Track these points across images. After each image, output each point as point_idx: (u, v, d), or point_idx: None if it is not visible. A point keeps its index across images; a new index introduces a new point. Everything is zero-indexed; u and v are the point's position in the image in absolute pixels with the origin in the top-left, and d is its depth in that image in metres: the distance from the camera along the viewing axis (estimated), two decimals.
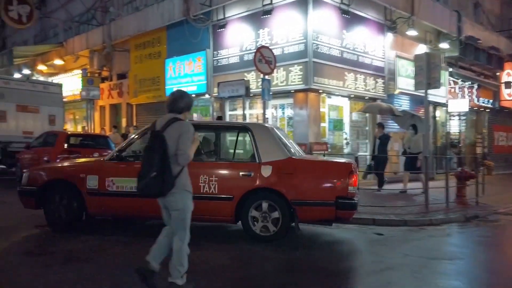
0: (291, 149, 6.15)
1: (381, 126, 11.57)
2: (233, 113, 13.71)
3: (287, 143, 6.29)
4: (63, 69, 21.10)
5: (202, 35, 13.94)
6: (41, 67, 21.40)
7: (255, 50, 9.82)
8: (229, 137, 6.88)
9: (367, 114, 13.35)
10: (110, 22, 17.47)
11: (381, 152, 10.97)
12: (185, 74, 14.46)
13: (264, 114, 10.33)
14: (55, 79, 19.85)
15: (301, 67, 11.37)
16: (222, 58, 13.43)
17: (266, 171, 5.63)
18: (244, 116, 11.69)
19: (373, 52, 13.23)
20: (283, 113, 12.73)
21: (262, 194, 5.68)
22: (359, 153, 12.31)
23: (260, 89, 9.95)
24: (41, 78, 19.97)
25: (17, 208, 6.91)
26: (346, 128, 13.27)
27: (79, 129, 20.04)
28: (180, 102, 3.68)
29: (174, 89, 4.00)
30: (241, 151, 6.69)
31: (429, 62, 9.38)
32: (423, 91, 9.35)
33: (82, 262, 4.76)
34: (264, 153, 5.74)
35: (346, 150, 13.08)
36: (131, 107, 17.57)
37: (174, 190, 3.54)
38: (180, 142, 3.49)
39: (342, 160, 6.59)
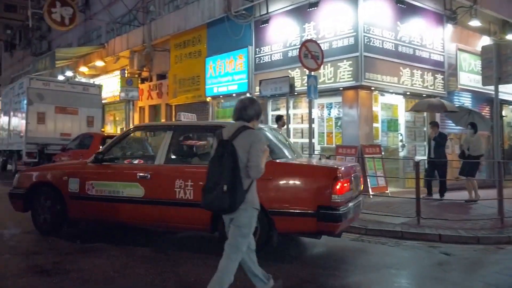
0: (281, 152, 5.49)
1: (435, 125, 10.25)
2: (276, 113, 12.79)
3: (278, 145, 5.66)
4: (104, 71, 21.04)
5: (243, 32, 13.20)
6: (83, 68, 21.45)
7: (299, 45, 8.94)
8: (208, 139, 6.30)
9: (425, 113, 12.08)
10: (150, 22, 17.10)
11: (437, 155, 9.72)
12: (225, 72, 13.74)
13: (309, 114, 9.38)
14: (97, 81, 19.78)
15: (350, 62, 10.34)
16: (265, 55, 12.60)
17: None
18: (287, 116, 10.79)
19: (431, 45, 11.97)
20: (330, 113, 11.72)
21: None
22: (418, 157, 11.01)
23: (305, 87, 9.10)
24: (83, 80, 19.97)
25: None
26: (402, 129, 12.09)
27: (118, 131, 19.88)
28: (250, 109, 3.41)
29: (243, 96, 3.95)
30: None
31: (500, 54, 8.30)
32: (491, 87, 8.13)
33: (103, 285, 4.03)
34: None
35: (402, 153, 11.88)
36: (170, 107, 17.10)
37: (243, 206, 3.25)
38: (251, 153, 3.23)
39: (330, 164, 5.64)
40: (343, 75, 10.52)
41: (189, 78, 15.51)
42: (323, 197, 4.62)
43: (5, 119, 17.23)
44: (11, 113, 16.26)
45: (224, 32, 13.69)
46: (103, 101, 18.60)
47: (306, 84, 9.08)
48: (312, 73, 8.99)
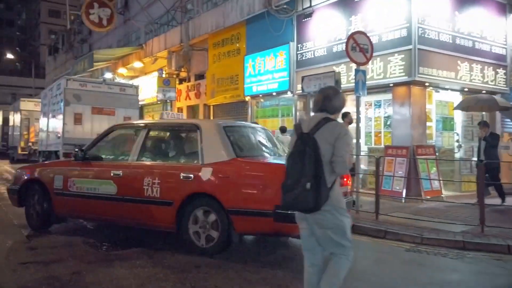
0: (251, 150, 5.48)
1: (485, 125, 9.24)
2: None
3: (251, 142, 5.65)
4: (143, 72, 20.89)
5: (285, 27, 12.50)
6: (122, 70, 21.41)
7: (346, 39, 8.14)
8: (178, 136, 6.16)
9: (483, 112, 10.93)
10: (188, 21, 16.71)
11: (488, 156, 8.65)
12: (265, 71, 13.08)
13: (357, 112, 8.50)
14: (135, 82, 19.58)
15: (403, 56, 9.41)
16: (307, 51, 11.82)
17: (206, 174, 4.86)
18: None
19: (492, 37, 10.84)
20: (378, 111, 10.80)
21: (202, 200, 4.90)
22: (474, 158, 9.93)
23: (351, 84, 8.33)
24: (122, 81, 19.86)
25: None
26: (458, 128, 11.03)
27: None
28: (335, 100, 3.10)
29: (324, 86, 3.61)
30: (189, 152, 5.60)
31: None
32: None
33: None
34: (208, 153, 5.02)
35: (458, 154, 10.81)
36: (208, 108, 16.63)
37: (327, 207, 2.91)
38: (337, 147, 2.92)
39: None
40: (394, 70, 9.60)
41: (227, 78, 14.96)
42: (280, 196, 3.89)
43: (44, 120, 17.31)
44: (50, 115, 16.27)
45: (264, 28, 13.05)
46: (141, 103, 18.43)
47: (352, 81, 8.39)
48: (361, 67, 8.17)
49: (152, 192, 5.11)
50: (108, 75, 21.26)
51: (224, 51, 15.27)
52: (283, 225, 4.35)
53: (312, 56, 11.62)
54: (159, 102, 18.56)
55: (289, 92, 12.22)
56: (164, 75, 16.67)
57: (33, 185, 6.29)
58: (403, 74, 9.40)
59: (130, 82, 19.35)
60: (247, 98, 14.05)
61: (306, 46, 11.86)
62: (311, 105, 11.66)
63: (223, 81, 15.17)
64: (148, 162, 5.54)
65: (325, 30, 11.28)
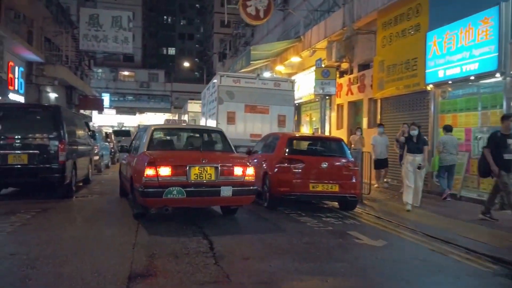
0: None
1: None
2: None
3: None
4: (301, 68, 19.03)
5: None
6: (279, 67, 20.00)
7: None
8: None
9: None
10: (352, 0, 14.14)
11: None
12: (458, 48, 9.66)
13: None
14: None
15: None
16: None
17: None
18: None
19: None
20: None
21: None
22: None
23: None
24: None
25: None
26: None
27: (306, 131, 17.57)
28: None
29: None
30: None
31: None
32: None
33: None
34: None
35: None
36: (375, 103, 13.76)
37: None
38: None
39: (163, 153, 7.08)
40: None
41: (401, 63, 11.90)
42: (142, 178, 6.22)
43: (203, 121, 16.86)
44: (207, 114, 15.63)
45: None
46: (298, 101, 16.60)
47: None
48: None
49: None
50: (266, 74, 20.07)
51: (398, 30, 12.21)
52: (142, 199, 6.34)
53: None
54: (317, 100, 16.37)
55: (498, 74, 8.63)
56: (322, 66, 14.39)
57: None
58: None
59: None
60: (429, 87, 10.80)
61: None
62: None
63: (395, 68, 12.16)
64: None
65: None
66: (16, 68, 19.22)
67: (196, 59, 71.35)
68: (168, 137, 8.57)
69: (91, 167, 12.57)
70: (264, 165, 8.92)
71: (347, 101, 15.82)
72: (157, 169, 6.08)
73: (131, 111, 53.27)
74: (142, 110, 53.54)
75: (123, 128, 42.30)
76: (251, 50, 17.64)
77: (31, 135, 9.24)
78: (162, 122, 26.04)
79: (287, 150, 8.54)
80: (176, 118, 36.77)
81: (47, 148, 9.20)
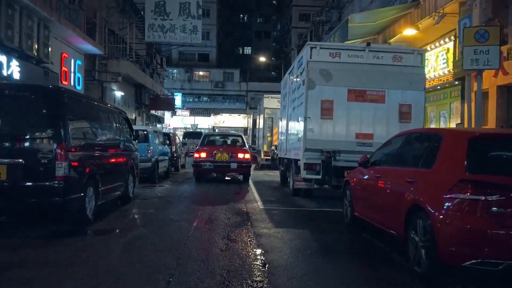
0: None
1: None
2: None
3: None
4: (414, 46, 14.08)
5: None
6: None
7: None
8: None
9: None
10: None
11: None
12: None
13: None
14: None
15: None
16: None
17: None
18: None
19: None
20: None
21: None
22: None
23: None
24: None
25: None
26: None
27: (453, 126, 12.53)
28: None
29: None
30: None
31: None
32: None
33: None
34: None
35: None
36: None
37: None
38: None
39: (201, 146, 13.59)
40: None
41: None
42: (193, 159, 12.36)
43: (283, 116, 12.84)
44: (289, 108, 11.53)
45: None
46: None
47: None
48: None
49: None
50: None
51: None
52: None
53: None
54: (456, 83, 11.39)
55: None
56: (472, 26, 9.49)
57: None
58: None
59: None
60: None
61: None
62: None
63: None
64: None
65: None
66: (72, 60, 16.58)
67: (273, 58, 68.39)
68: (211, 138, 15.34)
69: (132, 179, 9.01)
70: (407, 191, 4.60)
71: (495, 85, 10.75)
72: (200, 154, 12.87)
73: (206, 112, 51.34)
74: (216, 111, 51.28)
75: (197, 130, 39.85)
76: (348, 21, 13.09)
77: (14, 134, 5.81)
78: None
79: (469, 163, 4.08)
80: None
81: (38, 156, 5.65)
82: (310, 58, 8.87)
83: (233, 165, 12.68)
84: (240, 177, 14.01)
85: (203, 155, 12.70)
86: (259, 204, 9.16)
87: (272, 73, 67.69)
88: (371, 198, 6.03)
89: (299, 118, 9.62)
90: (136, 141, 9.71)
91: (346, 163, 8.72)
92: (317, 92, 8.83)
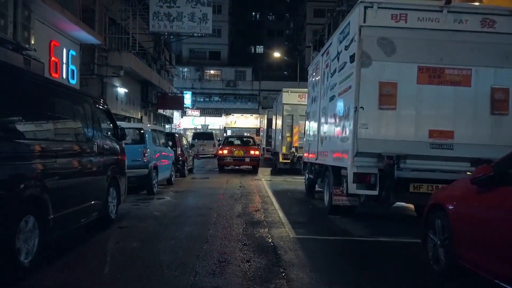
0: None
1: None
2: None
3: None
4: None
5: None
6: None
7: None
8: None
9: None
10: None
11: None
12: None
13: None
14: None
15: None
16: None
17: None
18: None
19: None
20: None
21: None
22: None
23: None
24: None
25: None
26: None
27: None
28: None
29: None
30: None
31: None
32: None
33: None
34: None
35: None
36: None
37: None
38: None
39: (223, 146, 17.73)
40: None
41: None
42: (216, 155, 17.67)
43: (311, 110, 10.25)
44: (323, 99, 8.91)
45: None
46: None
47: None
48: None
49: None
50: None
51: None
52: None
53: None
54: None
55: None
56: None
57: None
58: None
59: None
60: None
61: None
62: None
63: None
64: None
65: None
66: (64, 50, 14.14)
67: (285, 57, 65.98)
68: (230, 139, 20.58)
69: (115, 193, 6.49)
70: None
71: None
72: (223, 151, 17.92)
73: (217, 112, 49.01)
74: (228, 112, 48.85)
75: (207, 131, 37.32)
76: None
77: None
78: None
79: None
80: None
81: None
82: (364, 22, 6.23)
83: (247, 159, 17.70)
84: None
85: (225, 151, 17.87)
86: (288, 229, 6.57)
87: (285, 72, 65.53)
88: (502, 239, 3.43)
89: (344, 110, 6.99)
90: (123, 141, 7.17)
91: (415, 174, 6.11)
92: (374, 71, 6.20)
